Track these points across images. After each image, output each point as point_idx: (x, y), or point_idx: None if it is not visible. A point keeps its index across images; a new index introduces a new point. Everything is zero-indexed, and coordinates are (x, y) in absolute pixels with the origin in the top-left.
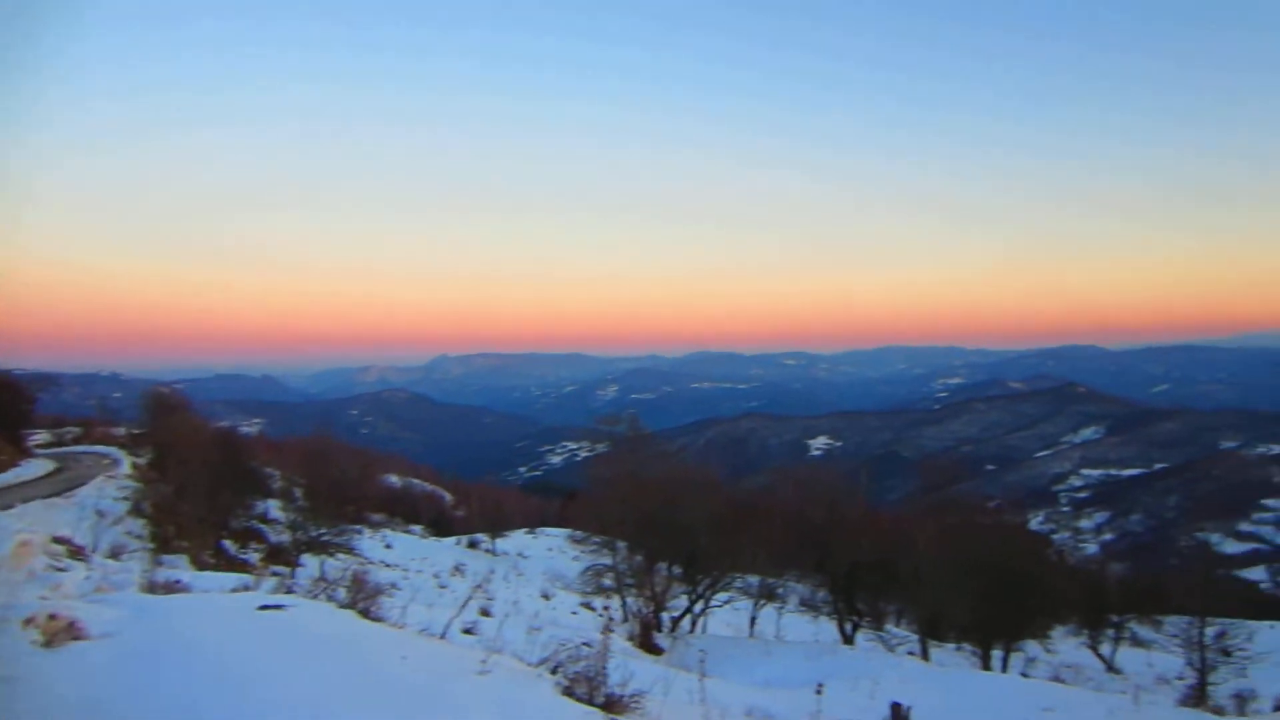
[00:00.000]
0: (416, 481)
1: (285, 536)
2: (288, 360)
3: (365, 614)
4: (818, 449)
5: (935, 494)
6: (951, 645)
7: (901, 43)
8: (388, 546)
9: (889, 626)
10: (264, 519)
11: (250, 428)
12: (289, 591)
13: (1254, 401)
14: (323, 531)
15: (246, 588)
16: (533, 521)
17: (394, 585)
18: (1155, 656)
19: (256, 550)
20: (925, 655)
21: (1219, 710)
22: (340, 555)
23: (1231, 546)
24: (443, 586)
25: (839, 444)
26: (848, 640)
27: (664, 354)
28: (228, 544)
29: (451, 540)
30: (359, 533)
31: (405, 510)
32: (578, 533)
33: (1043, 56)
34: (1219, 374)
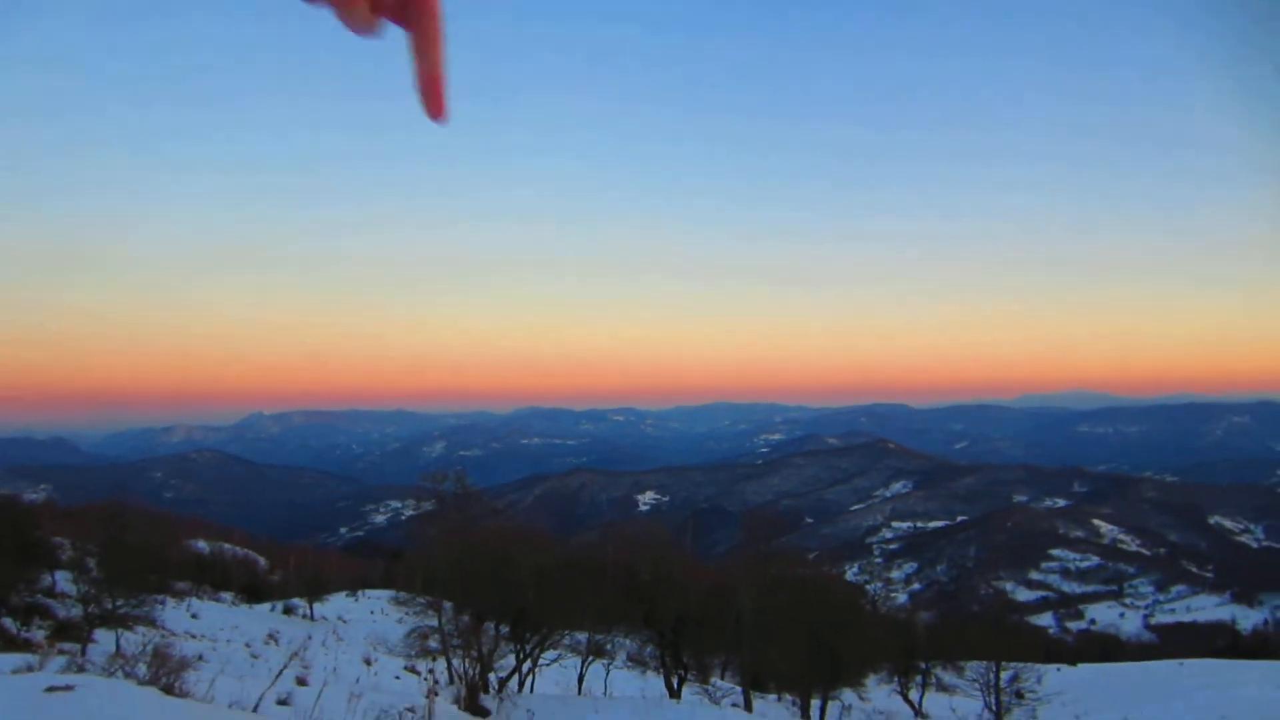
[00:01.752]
0: (227, 546)
1: (76, 610)
2: (81, 421)
3: (169, 690)
4: (646, 503)
5: (757, 547)
6: (773, 696)
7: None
8: (194, 616)
9: (715, 679)
10: (51, 593)
11: (36, 494)
12: (81, 670)
13: (1037, 457)
14: (120, 603)
15: (30, 668)
16: (355, 584)
17: (201, 657)
18: (958, 701)
19: (41, 627)
20: (749, 706)
21: None
22: (140, 628)
23: (1025, 594)
24: (255, 656)
25: (666, 498)
26: (674, 694)
27: (493, 410)
28: (8, 622)
29: (266, 606)
30: (161, 603)
31: (214, 577)
32: (402, 594)
33: (855, 134)
34: (1009, 431)
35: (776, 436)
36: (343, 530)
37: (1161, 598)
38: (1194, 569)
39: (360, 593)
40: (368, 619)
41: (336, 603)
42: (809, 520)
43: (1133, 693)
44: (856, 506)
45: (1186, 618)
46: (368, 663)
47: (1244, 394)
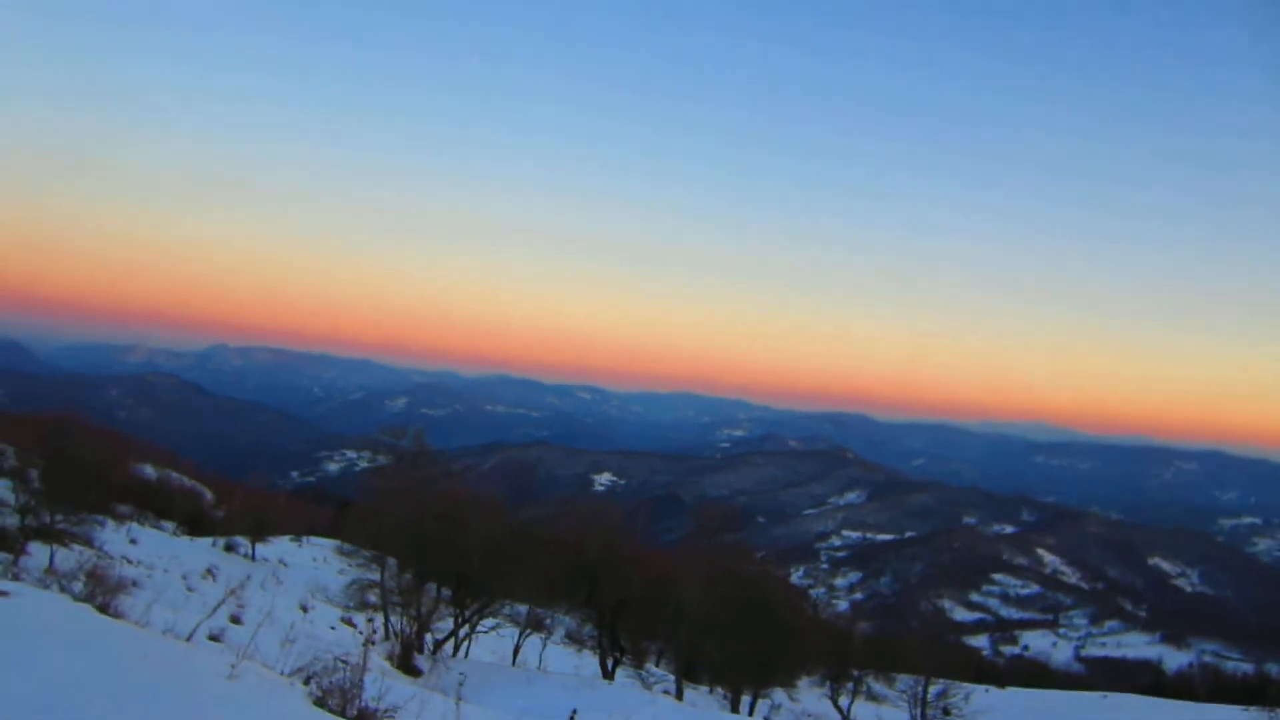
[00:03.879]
0: (174, 474)
1: (14, 520)
2: (39, 326)
3: (104, 610)
4: (602, 484)
5: (708, 539)
6: (705, 688)
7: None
8: (133, 541)
9: (649, 665)
10: None
11: None
12: (16, 579)
13: (991, 482)
14: (59, 518)
15: None
16: (301, 529)
17: (135, 583)
18: (886, 711)
19: None
20: (680, 695)
21: None
22: (76, 546)
23: (963, 614)
24: (191, 590)
25: (623, 481)
26: (608, 675)
27: (460, 372)
28: None
29: (207, 541)
30: (101, 524)
31: (158, 504)
32: (347, 545)
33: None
34: (967, 454)
35: (739, 432)
36: (294, 474)
37: (1094, 631)
38: (1129, 606)
39: (305, 538)
40: (309, 565)
41: (279, 546)
42: (761, 520)
43: (1056, 719)
44: (809, 511)
45: (1116, 653)
46: (304, 609)
47: (1195, 442)
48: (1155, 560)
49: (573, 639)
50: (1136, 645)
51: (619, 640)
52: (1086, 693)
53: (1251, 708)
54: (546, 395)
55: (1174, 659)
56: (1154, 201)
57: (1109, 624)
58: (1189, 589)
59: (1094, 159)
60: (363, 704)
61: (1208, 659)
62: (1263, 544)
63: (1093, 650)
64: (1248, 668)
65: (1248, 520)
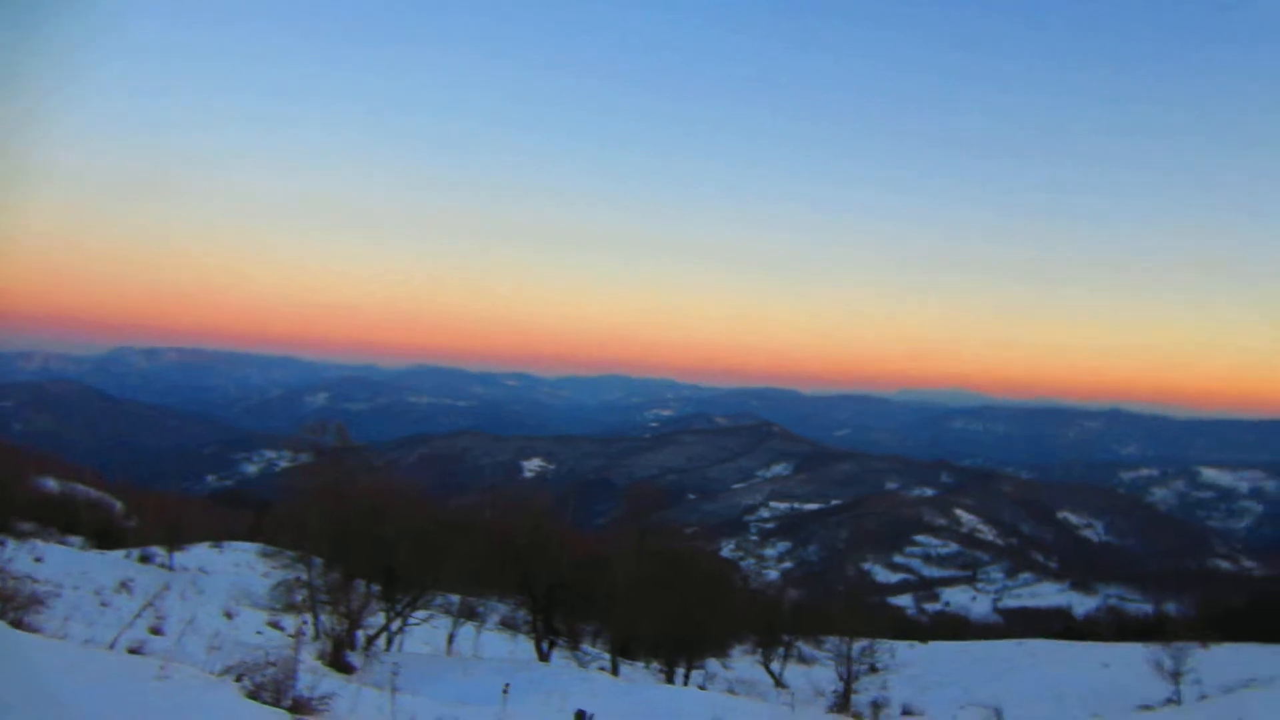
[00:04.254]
0: (80, 486)
1: None
2: None
3: (18, 625)
4: (531, 471)
5: (639, 520)
6: (640, 663)
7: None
8: (38, 560)
9: (585, 646)
10: None
11: None
12: None
13: (911, 450)
14: None
15: None
16: (220, 534)
17: (44, 602)
18: (817, 672)
19: None
20: (615, 671)
21: (858, 715)
22: None
23: (887, 576)
24: (105, 604)
25: (552, 466)
26: (543, 658)
27: (382, 364)
28: None
29: (119, 553)
30: (1, 543)
31: (64, 519)
32: (270, 547)
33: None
34: (889, 423)
35: (668, 412)
36: (209, 478)
37: (1010, 583)
38: (1040, 558)
39: (225, 544)
40: (232, 571)
41: (198, 553)
42: (691, 496)
43: (975, 668)
44: (738, 485)
45: (1030, 602)
46: (228, 616)
47: (1098, 402)
48: (1064, 514)
49: (507, 625)
50: (1048, 594)
51: (553, 623)
52: (1003, 641)
53: (1151, 644)
54: (472, 384)
55: (1082, 604)
56: (1049, 168)
57: (1023, 576)
58: (1095, 539)
59: (989, 126)
60: (296, 693)
61: (1112, 602)
62: (1159, 494)
63: (1009, 601)
64: (1148, 608)
65: (1145, 472)
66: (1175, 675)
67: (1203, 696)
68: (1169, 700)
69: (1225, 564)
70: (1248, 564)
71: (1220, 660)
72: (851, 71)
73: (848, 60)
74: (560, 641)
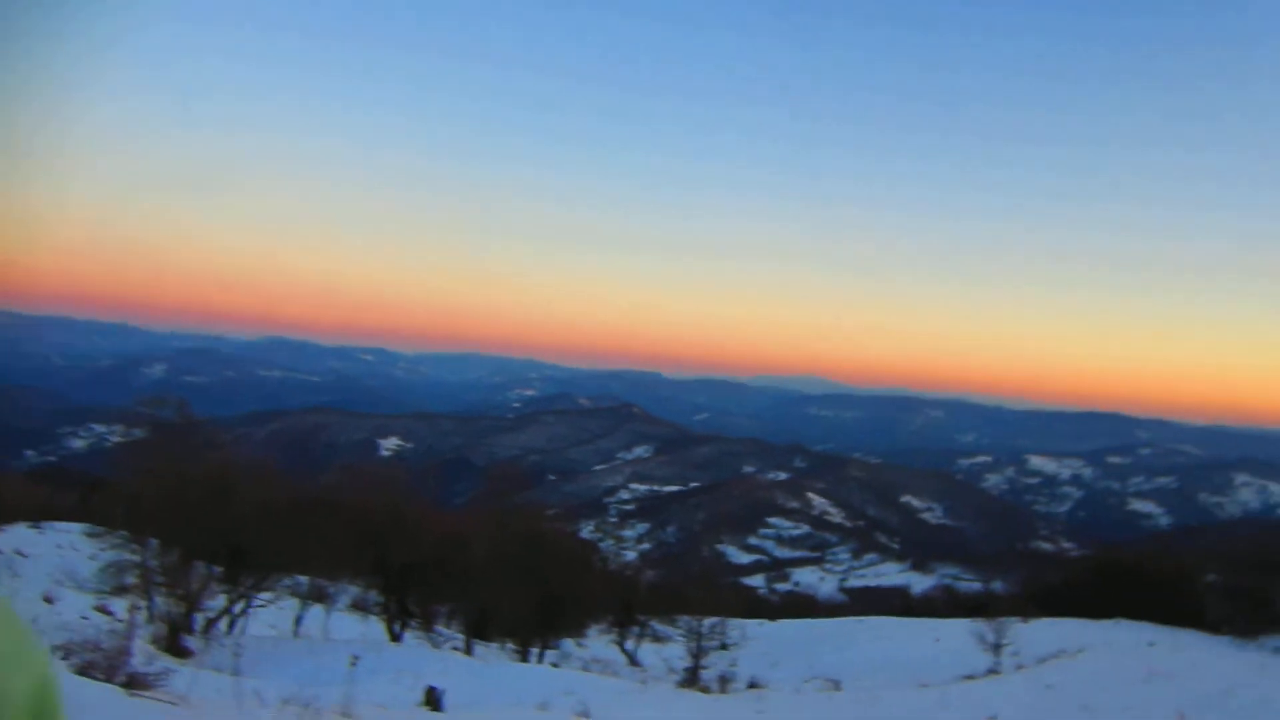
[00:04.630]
0: None
1: None
2: None
3: None
4: (388, 449)
5: (500, 500)
6: (495, 644)
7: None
8: None
9: (439, 627)
10: None
11: None
12: None
13: (769, 434)
14: None
15: None
16: (40, 515)
17: None
18: (670, 649)
19: None
20: (469, 651)
21: (705, 688)
22: None
23: (741, 557)
24: None
25: (411, 445)
26: (395, 639)
27: (230, 335)
28: None
29: None
30: None
31: None
32: (98, 528)
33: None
34: (747, 408)
35: (530, 392)
36: (29, 453)
37: (855, 564)
38: (884, 540)
39: (46, 524)
40: (54, 553)
41: (15, 534)
42: (552, 477)
43: (819, 643)
44: (599, 467)
45: (874, 581)
46: (49, 600)
47: (941, 392)
48: (907, 498)
49: (358, 607)
50: (890, 574)
51: (407, 604)
52: (845, 618)
53: (977, 619)
54: (327, 358)
55: (920, 583)
56: (895, 161)
57: (867, 557)
58: (934, 521)
59: (830, 125)
60: (130, 669)
61: (946, 581)
62: (993, 479)
63: (854, 581)
64: (978, 586)
65: (981, 459)
66: (996, 647)
67: (1019, 666)
68: (990, 670)
69: (1047, 545)
70: (1066, 545)
71: (1037, 633)
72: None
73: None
74: (413, 623)
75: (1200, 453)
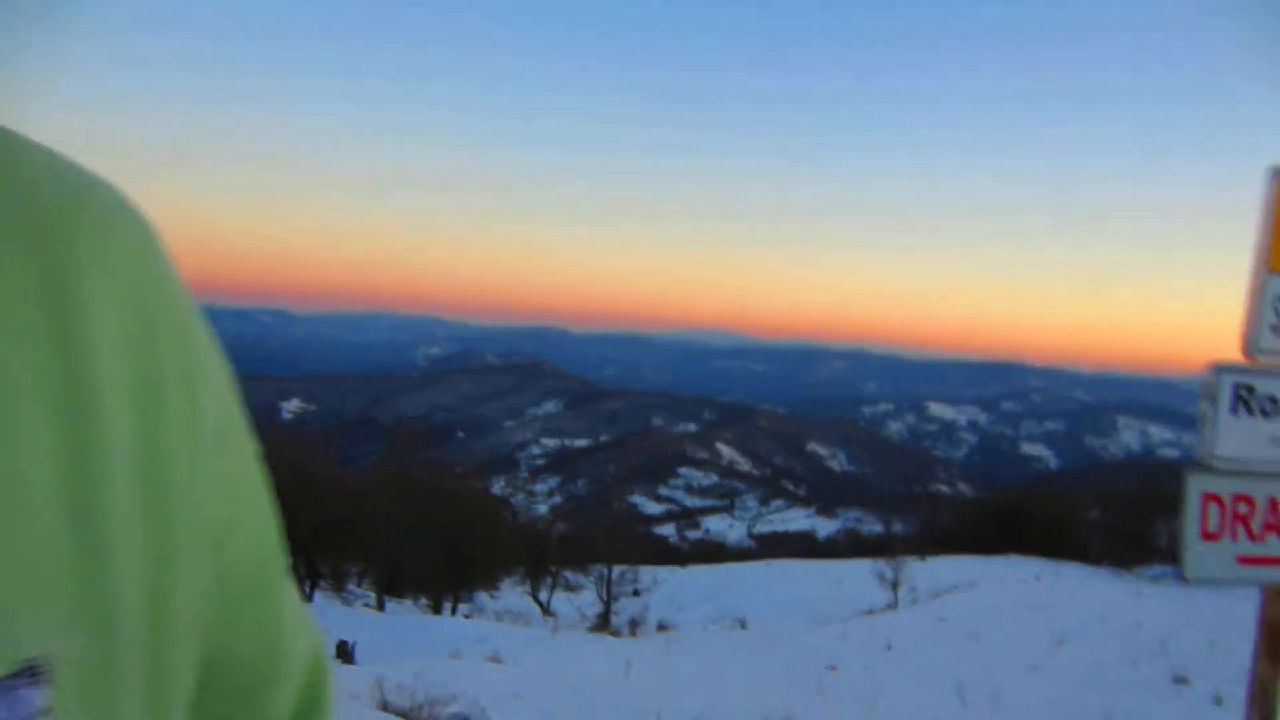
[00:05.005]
0: None
1: None
2: None
3: None
4: (290, 411)
5: (406, 458)
6: (407, 600)
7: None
8: None
9: (350, 586)
10: None
11: None
12: None
13: (678, 387)
14: None
15: None
16: None
17: None
18: (582, 597)
19: None
20: (381, 608)
21: (615, 632)
22: None
23: (653, 507)
24: None
25: (313, 407)
26: (306, 600)
27: None
28: None
29: None
30: None
31: None
32: None
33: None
34: (656, 361)
35: (437, 350)
36: None
37: (763, 511)
38: (791, 487)
39: None
40: None
41: None
42: (461, 434)
43: (728, 588)
44: (509, 423)
45: (781, 527)
46: None
47: (844, 343)
48: (812, 446)
49: None
50: (797, 519)
51: (316, 565)
52: (753, 563)
53: (878, 559)
54: (222, 320)
55: (825, 527)
56: (804, 119)
57: (775, 503)
58: (838, 468)
59: (749, 79)
60: None
61: (850, 525)
62: (894, 426)
63: (762, 527)
64: (880, 528)
65: (883, 407)
66: (895, 585)
67: (915, 601)
68: (888, 606)
69: (945, 488)
70: (962, 487)
71: (934, 570)
72: None
73: None
74: (324, 583)
75: (1088, 398)
